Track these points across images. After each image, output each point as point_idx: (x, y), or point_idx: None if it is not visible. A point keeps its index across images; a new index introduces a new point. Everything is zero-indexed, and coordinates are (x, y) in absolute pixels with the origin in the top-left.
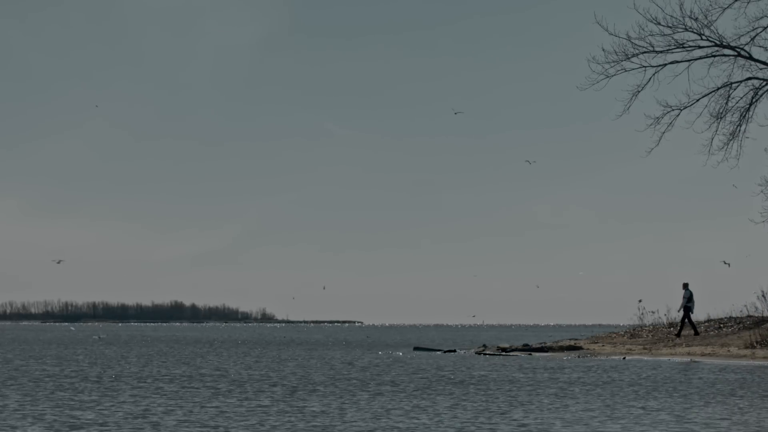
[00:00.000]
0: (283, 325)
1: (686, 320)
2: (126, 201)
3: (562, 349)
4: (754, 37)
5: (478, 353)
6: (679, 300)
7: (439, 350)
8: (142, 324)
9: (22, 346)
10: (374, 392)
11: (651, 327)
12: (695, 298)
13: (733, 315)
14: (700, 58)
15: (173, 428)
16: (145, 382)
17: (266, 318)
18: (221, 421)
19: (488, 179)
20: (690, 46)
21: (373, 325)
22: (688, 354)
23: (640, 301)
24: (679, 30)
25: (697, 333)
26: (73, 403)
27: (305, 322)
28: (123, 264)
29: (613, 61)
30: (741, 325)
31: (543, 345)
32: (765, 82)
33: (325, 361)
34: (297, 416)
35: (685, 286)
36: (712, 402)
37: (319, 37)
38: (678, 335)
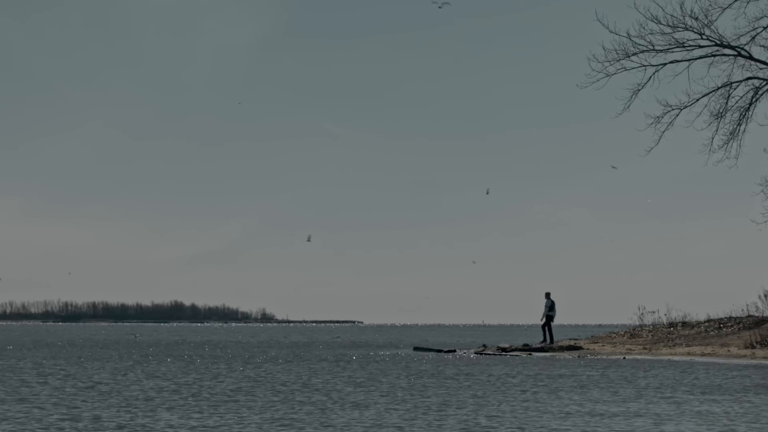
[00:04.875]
0: (285, 325)
1: (546, 328)
2: (126, 201)
3: (562, 349)
4: (754, 36)
5: (478, 353)
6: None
7: (439, 350)
8: (145, 324)
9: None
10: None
11: (651, 327)
12: (557, 307)
13: (733, 315)
14: (701, 57)
15: None
16: None
17: (266, 318)
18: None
19: (488, 179)
20: (690, 46)
21: (374, 324)
22: (688, 354)
23: None
24: (680, 29)
25: (552, 342)
26: None
27: (305, 321)
28: (123, 264)
29: (614, 60)
30: (741, 325)
31: (543, 345)
32: (765, 82)
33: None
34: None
35: (547, 295)
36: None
37: (318, 38)
38: (545, 341)
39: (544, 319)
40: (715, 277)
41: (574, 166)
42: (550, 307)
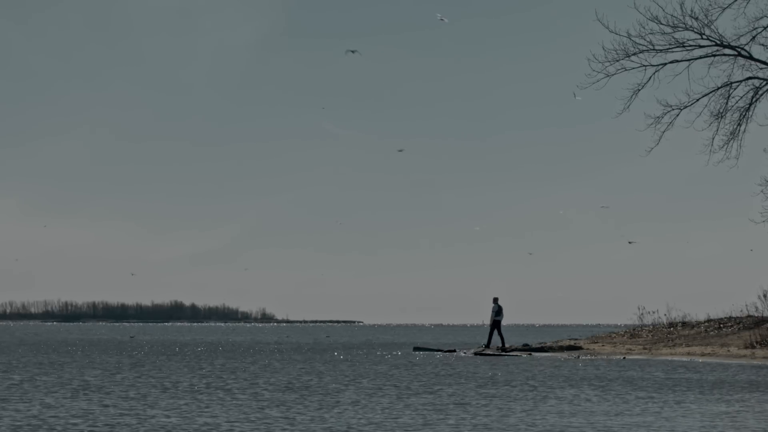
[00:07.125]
0: (284, 325)
1: (494, 332)
2: (125, 201)
3: (562, 349)
4: (754, 36)
5: (478, 353)
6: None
7: (439, 350)
8: (147, 324)
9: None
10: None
11: (651, 327)
12: (504, 311)
13: (733, 315)
14: (701, 57)
15: None
16: None
17: (266, 318)
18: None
19: (488, 179)
20: (690, 46)
21: (374, 324)
22: (688, 354)
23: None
24: (680, 29)
25: (503, 345)
26: None
27: (305, 321)
28: (123, 264)
29: (614, 60)
30: (741, 325)
31: (543, 345)
32: (765, 82)
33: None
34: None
35: (495, 300)
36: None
37: (317, 38)
38: (487, 346)
39: (490, 324)
40: (715, 277)
41: (575, 167)
42: (497, 312)
